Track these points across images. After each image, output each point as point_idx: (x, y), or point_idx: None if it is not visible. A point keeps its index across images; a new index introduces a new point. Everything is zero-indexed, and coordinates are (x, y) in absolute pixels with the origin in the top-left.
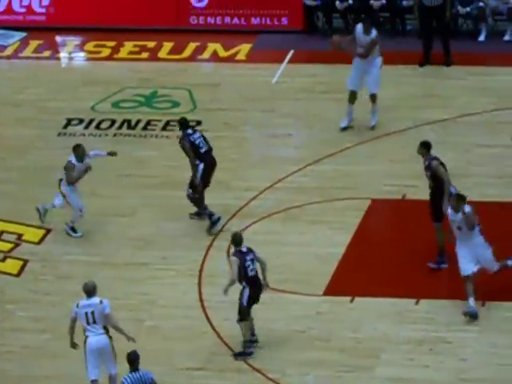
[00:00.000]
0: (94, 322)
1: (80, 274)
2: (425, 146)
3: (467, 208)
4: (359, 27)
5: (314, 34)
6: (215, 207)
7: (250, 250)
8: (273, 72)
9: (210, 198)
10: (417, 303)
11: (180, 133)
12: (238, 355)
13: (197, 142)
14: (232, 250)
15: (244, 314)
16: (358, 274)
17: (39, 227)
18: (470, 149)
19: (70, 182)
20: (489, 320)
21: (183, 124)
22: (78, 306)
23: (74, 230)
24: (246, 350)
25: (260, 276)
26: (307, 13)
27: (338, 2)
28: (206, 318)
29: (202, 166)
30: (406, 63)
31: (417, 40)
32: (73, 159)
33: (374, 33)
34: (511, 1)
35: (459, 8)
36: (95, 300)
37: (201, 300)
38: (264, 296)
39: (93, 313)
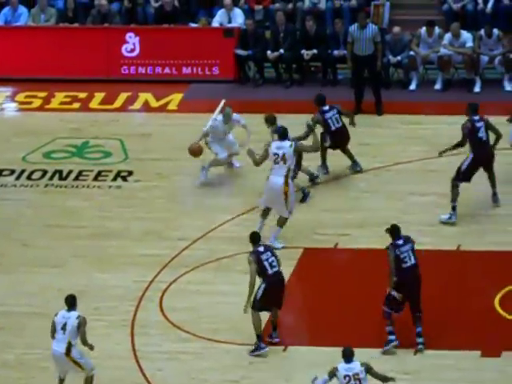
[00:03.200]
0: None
1: (12, 326)
2: None
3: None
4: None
5: (245, 83)
6: (147, 257)
7: (267, 249)
8: (205, 121)
9: (142, 247)
10: None
11: None
12: (252, 351)
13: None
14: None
15: (255, 305)
16: (291, 323)
17: None
18: (402, 197)
19: None
20: (421, 368)
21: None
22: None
23: None
24: (259, 344)
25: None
26: (238, 62)
27: (269, 52)
28: (138, 368)
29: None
30: None
31: (348, 89)
32: None
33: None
34: (442, 50)
35: (390, 57)
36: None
37: (133, 350)
38: (196, 346)
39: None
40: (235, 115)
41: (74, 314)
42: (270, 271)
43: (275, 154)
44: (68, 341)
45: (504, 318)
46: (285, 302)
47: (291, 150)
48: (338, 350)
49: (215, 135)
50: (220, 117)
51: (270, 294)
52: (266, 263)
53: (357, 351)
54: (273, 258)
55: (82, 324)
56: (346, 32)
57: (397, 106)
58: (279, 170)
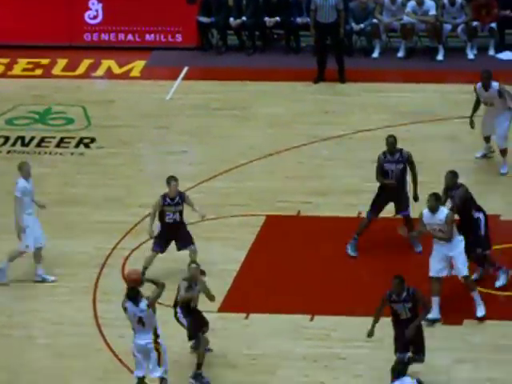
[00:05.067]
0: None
1: None
2: None
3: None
4: None
5: (208, 51)
6: (110, 224)
7: None
8: (167, 89)
9: (104, 215)
10: (312, 319)
11: None
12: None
13: None
14: None
15: None
16: (253, 291)
17: None
18: (363, 165)
19: None
20: (383, 336)
21: None
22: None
23: None
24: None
25: None
26: (201, 30)
27: (231, 19)
28: (100, 335)
29: None
30: (300, 80)
31: (311, 57)
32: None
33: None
34: (404, 18)
35: (353, 25)
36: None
37: (95, 317)
38: (160, 313)
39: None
40: None
41: (142, 304)
42: None
43: None
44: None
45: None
46: (247, 270)
47: None
48: (300, 317)
49: None
50: None
51: None
52: None
53: (320, 318)
54: None
55: (152, 305)
56: None
57: (359, 74)
58: None
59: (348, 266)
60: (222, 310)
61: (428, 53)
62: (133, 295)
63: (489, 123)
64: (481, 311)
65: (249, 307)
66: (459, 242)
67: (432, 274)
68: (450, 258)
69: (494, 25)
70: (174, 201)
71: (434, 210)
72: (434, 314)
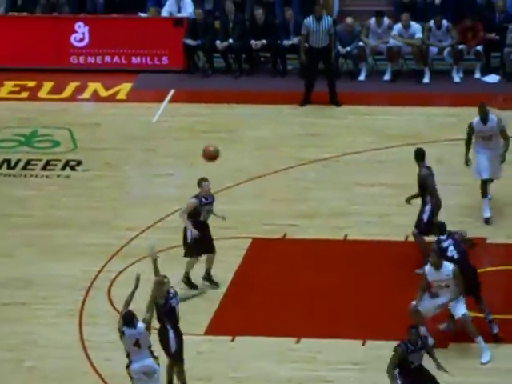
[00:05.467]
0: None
1: None
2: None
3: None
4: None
5: (194, 73)
6: (96, 247)
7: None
8: (153, 111)
9: (90, 237)
10: (298, 342)
11: None
12: None
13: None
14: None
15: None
16: (239, 313)
17: None
18: (350, 188)
19: None
20: (369, 359)
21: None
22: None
23: None
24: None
25: None
26: (188, 52)
27: (218, 42)
28: (86, 358)
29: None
30: (287, 103)
31: (298, 80)
32: None
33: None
34: (391, 41)
35: (339, 48)
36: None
37: (81, 340)
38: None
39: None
40: None
41: (140, 325)
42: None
43: None
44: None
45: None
46: (234, 292)
47: None
48: (286, 340)
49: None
50: None
51: None
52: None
53: (306, 341)
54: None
55: (148, 322)
56: (295, 21)
57: (346, 97)
58: None
59: (334, 288)
60: (208, 332)
61: (414, 76)
62: (128, 318)
63: (491, 164)
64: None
65: (235, 330)
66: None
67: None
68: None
69: (479, 48)
70: (208, 200)
71: (438, 266)
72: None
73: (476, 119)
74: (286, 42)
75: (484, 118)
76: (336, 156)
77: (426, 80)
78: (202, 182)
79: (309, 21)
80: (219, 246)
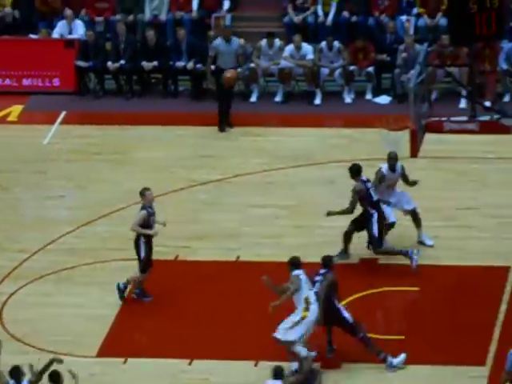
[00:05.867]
0: None
1: None
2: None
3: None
4: None
5: (85, 95)
6: None
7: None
8: (45, 133)
9: None
10: (190, 364)
11: None
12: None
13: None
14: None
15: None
16: (131, 335)
17: None
18: (242, 209)
19: None
20: (262, 380)
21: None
22: None
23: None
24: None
25: None
26: (79, 74)
27: (109, 63)
28: None
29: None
30: (179, 124)
31: (189, 101)
32: None
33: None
34: (282, 62)
35: None
36: None
37: None
38: (37, 358)
39: None
40: None
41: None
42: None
43: None
44: None
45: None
46: (125, 314)
47: None
48: (179, 362)
49: None
50: None
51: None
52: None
53: (199, 362)
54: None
55: None
56: (187, 42)
57: (238, 118)
58: None
59: (226, 310)
60: (100, 354)
61: (305, 97)
62: (15, 374)
63: (397, 202)
64: None
65: (127, 352)
66: None
67: None
68: None
69: (371, 69)
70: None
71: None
72: None
73: (384, 167)
74: (177, 64)
75: (393, 166)
76: (228, 177)
77: (318, 101)
78: (144, 191)
79: (218, 43)
80: (111, 268)
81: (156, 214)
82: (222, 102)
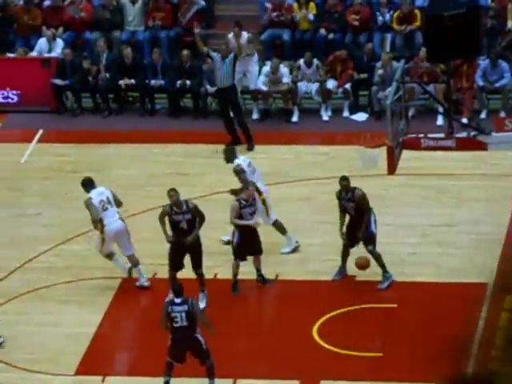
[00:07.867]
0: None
1: None
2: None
3: None
4: None
5: (62, 113)
6: None
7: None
8: (22, 151)
9: None
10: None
11: None
12: None
13: None
14: None
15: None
16: (110, 353)
17: None
18: (220, 226)
19: None
20: None
21: None
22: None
23: None
24: None
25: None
26: (56, 92)
27: (91, 79)
28: None
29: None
30: (155, 142)
31: (166, 119)
32: None
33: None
34: (258, 84)
35: (208, 87)
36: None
37: None
38: (13, 376)
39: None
40: None
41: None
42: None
43: (101, 202)
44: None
45: (322, 347)
46: (104, 332)
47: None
48: (158, 380)
49: None
50: None
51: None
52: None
53: (178, 380)
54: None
55: None
56: (163, 62)
57: (214, 136)
58: (111, 213)
59: (202, 327)
60: (78, 372)
61: (283, 115)
62: None
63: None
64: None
65: (106, 370)
66: None
67: None
68: None
69: (348, 86)
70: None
71: None
72: None
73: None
74: (153, 82)
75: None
76: (206, 195)
77: (295, 119)
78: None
79: (217, 59)
80: (89, 287)
81: (132, 232)
82: (227, 119)
